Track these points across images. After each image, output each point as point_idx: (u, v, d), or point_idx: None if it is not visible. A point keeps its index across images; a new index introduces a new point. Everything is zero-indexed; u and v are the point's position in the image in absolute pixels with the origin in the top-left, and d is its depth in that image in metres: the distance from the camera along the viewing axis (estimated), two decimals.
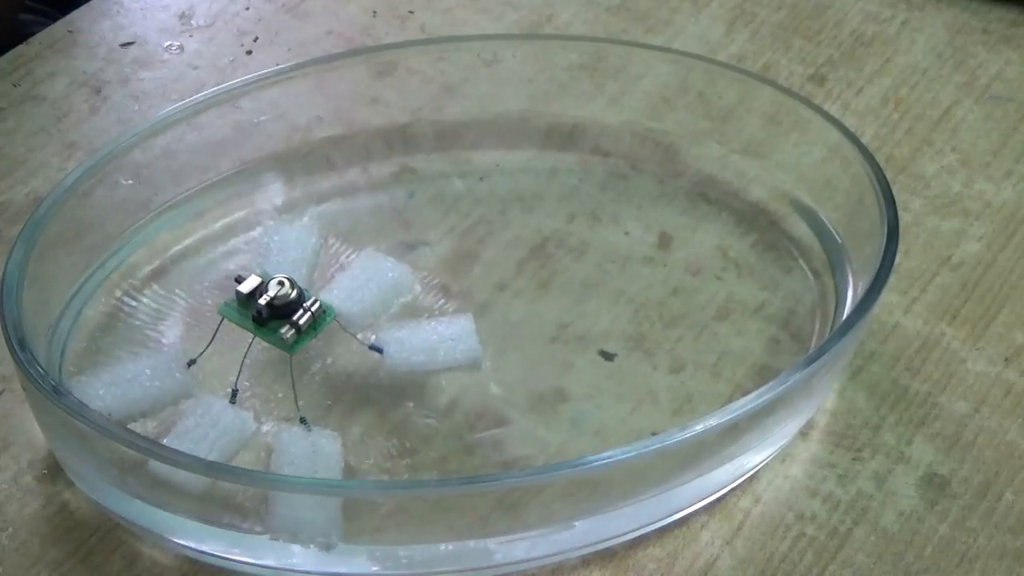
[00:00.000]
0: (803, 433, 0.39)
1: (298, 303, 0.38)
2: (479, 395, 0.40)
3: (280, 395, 0.39)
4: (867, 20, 0.54)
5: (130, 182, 0.43)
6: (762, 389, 0.35)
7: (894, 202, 0.40)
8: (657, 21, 0.54)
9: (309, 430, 0.37)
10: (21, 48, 0.52)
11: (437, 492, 0.34)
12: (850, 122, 0.49)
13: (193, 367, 0.39)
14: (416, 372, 0.39)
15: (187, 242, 0.44)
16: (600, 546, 0.36)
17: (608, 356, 0.41)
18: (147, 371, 0.38)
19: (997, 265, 0.44)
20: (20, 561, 0.36)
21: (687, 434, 0.34)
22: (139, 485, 0.35)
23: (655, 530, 0.37)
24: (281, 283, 0.38)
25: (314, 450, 0.36)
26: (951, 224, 0.46)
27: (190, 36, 0.53)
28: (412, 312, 0.41)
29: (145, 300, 0.43)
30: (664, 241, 0.45)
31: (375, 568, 0.35)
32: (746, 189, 0.46)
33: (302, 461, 0.36)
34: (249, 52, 0.52)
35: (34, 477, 0.38)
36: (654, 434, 0.35)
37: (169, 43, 0.53)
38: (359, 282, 0.40)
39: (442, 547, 0.35)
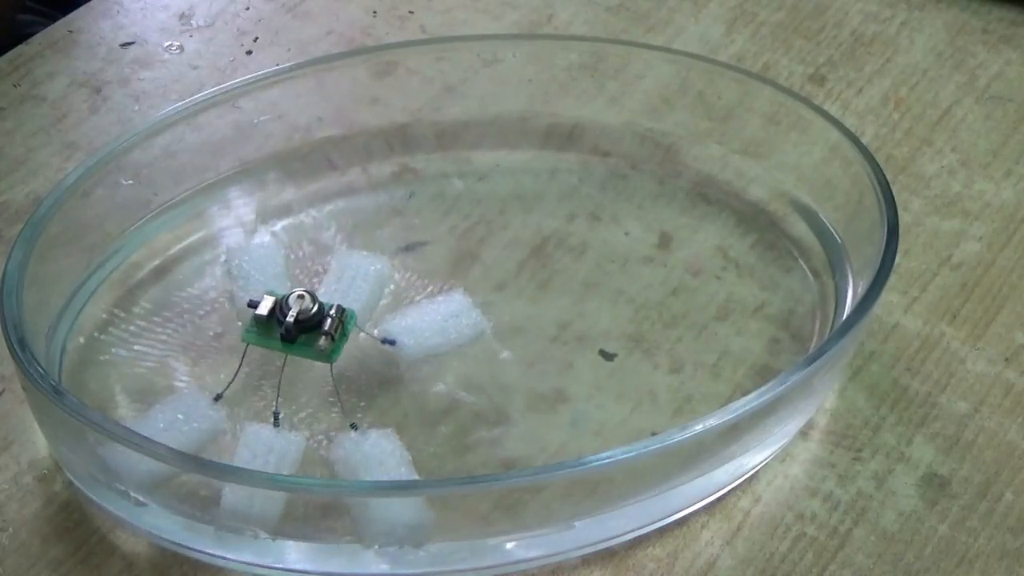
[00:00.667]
0: (803, 433, 0.39)
1: (321, 312, 0.38)
2: (479, 395, 0.40)
3: (311, 409, 0.39)
4: (867, 20, 0.54)
5: (130, 182, 0.43)
6: (762, 389, 0.35)
7: (894, 202, 0.40)
8: (657, 21, 0.54)
9: (363, 434, 0.37)
10: (21, 48, 0.52)
11: (437, 492, 0.34)
12: (850, 122, 0.49)
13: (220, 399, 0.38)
14: (431, 355, 0.39)
15: (187, 242, 0.44)
16: (600, 546, 0.36)
17: (608, 356, 0.41)
18: (179, 416, 0.37)
19: (997, 265, 0.44)
20: (20, 561, 0.36)
21: (687, 434, 0.34)
22: (139, 485, 0.35)
23: (655, 530, 0.37)
24: (301, 296, 0.38)
25: (375, 451, 0.36)
26: (951, 224, 0.46)
27: (190, 36, 0.53)
28: (395, 301, 0.42)
29: (145, 300, 0.43)
30: (664, 241, 0.45)
31: (375, 568, 0.35)
32: (746, 189, 0.46)
33: (368, 465, 0.36)
34: (249, 52, 0.52)
35: (34, 477, 0.38)
36: (654, 434, 0.35)
37: (169, 43, 0.53)
38: (347, 282, 0.40)
39: (442, 547, 0.35)
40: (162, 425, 0.36)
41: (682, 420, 0.39)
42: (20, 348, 0.36)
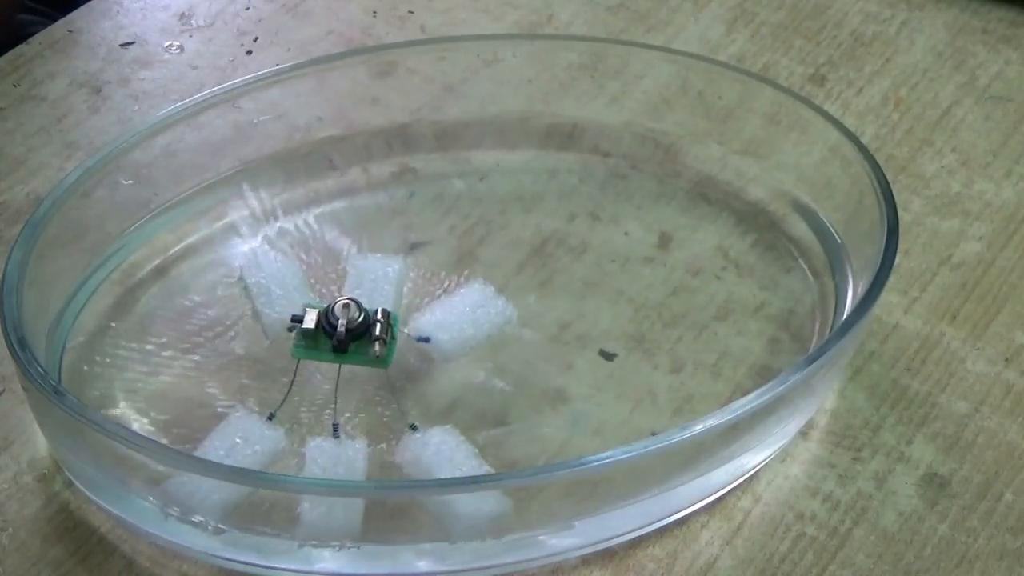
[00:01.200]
0: (803, 433, 0.39)
1: (368, 319, 0.38)
2: (479, 395, 0.40)
3: (362, 414, 0.39)
4: (867, 20, 0.54)
5: (130, 182, 0.43)
6: (762, 389, 0.35)
7: (894, 202, 0.40)
8: (657, 21, 0.54)
9: (425, 433, 0.37)
10: (21, 48, 0.52)
11: (437, 492, 0.34)
12: (850, 122, 0.49)
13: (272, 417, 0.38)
14: (468, 347, 0.39)
15: (187, 242, 0.44)
16: (600, 546, 0.36)
17: (608, 356, 0.41)
18: (238, 440, 0.36)
19: (997, 265, 0.44)
20: (20, 561, 0.36)
21: (687, 434, 0.34)
22: (139, 485, 0.35)
23: (655, 530, 0.37)
24: (346, 305, 0.38)
25: (443, 449, 0.36)
26: (951, 224, 0.46)
27: (190, 36, 0.53)
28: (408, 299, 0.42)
29: (145, 300, 0.43)
30: (664, 241, 0.45)
31: (375, 567, 0.35)
32: (746, 189, 0.46)
33: (440, 463, 0.36)
34: (249, 52, 0.52)
35: (34, 477, 0.38)
36: (654, 434, 0.35)
37: (169, 43, 0.53)
38: (369, 286, 0.40)
39: (441, 547, 0.35)
40: (222, 452, 0.36)
41: (682, 420, 0.39)
42: (20, 348, 0.36)
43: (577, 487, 0.35)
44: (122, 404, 0.40)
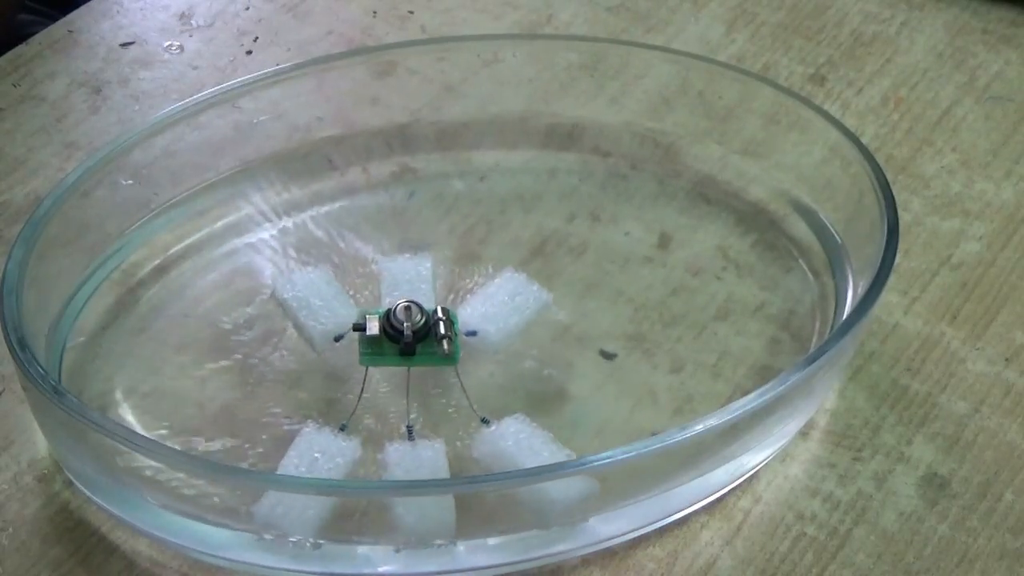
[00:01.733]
0: (803, 433, 0.39)
1: (428, 319, 0.38)
2: (480, 394, 0.40)
3: (415, 414, 0.39)
4: (867, 20, 0.54)
5: (130, 182, 0.43)
6: (762, 389, 0.35)
7: (894, 202, 0.40)
8: (657, 21, 0.54)
9: (498, 425, 0.37)
10: (21, 48, 0.52)
11: (437, 492, 0.34)
12: (850, 122, 0.49)
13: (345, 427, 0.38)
14: (513, 335, 0.39)
15: (187, 242, 0.44)
16: (600, 546, 0.36)
17: (608, 356, 0.41)
18: (316, 455, 0.36)
19: (997, 265, 0.44)
20: (20, 561, 0.36)
21: (687, 434, 0.34)
22: (139, 485, 0.35)
23: (655, 530, 0.37)
24: (408, 307, 0.38)
25: (520, 439, 0.36)
26: (951, 224, 0.46)
27: (190, 36, 0.53)
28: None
29: (145, 300, 0.43)
30: (664, 241, 0.45)
31: (374, 567, 0.35)
32: (746, 189, 0.46)
33: (520, 453, 0.36)
34: (249, 52, 0.52)
35: (34, 477, 0.38)
36: (654, 434, 0.35)
37: (169, 43, 0.53)
38: (406, 287, 0.40)
39: (442, 546, 0.35)
40: (303, 468, 0.35)
41: (682, 420, 0.39)
42: (20, 348, 0.36)
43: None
44: (122, 404, 0.40)
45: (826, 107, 0.48)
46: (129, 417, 0.39)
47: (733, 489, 0.38)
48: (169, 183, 0.44)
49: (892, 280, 0.40)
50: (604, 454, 0.34)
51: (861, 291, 0.38)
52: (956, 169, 0.48)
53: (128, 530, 0.37)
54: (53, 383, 0.35)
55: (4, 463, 0.38)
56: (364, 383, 0.38)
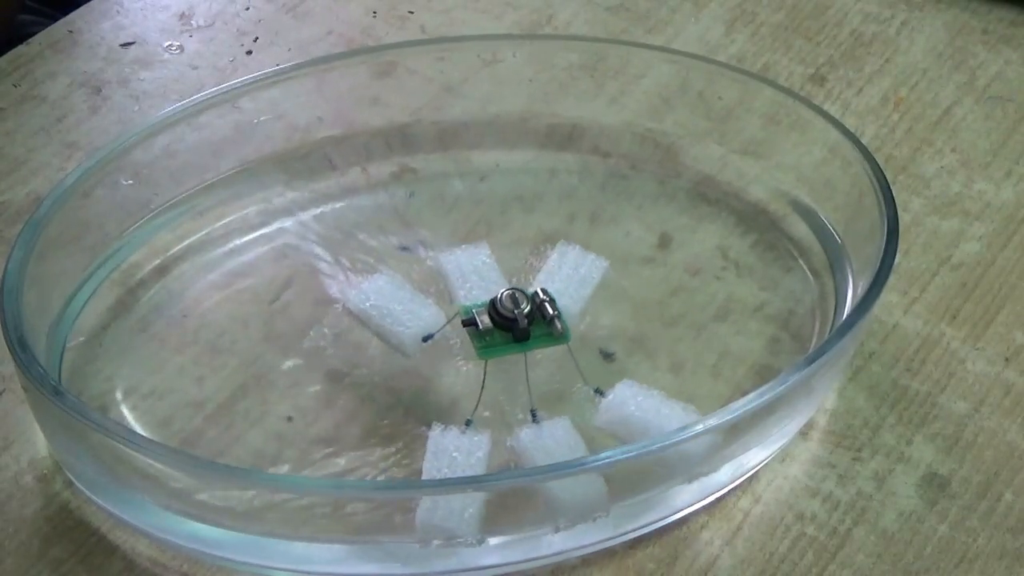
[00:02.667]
0: (803, 433, 0.39)
1: (533, 302, 0.38)
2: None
3: (523, 398, 0.39)
4: (867, 20, 0.54)
5: (130, 182, 0.43)
6: (762, 389, 0.35)
7: (894, 202, 0.40)
8: (657, 21, 0.54)
9: (614, 394, 0.37)
10: (21, 48, 0.52)
11: (437, 492, 0.34)
12: (850, 122, 0.49)
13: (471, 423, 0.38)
14: (585, 306, 0.40)
15: (187, 242, 0.44)
16: (600, 546, 0.36)
17: (608, 356, 0.41)
18: (455, 455, 0.36)
19: (997, 265, 0.44)
20: (20, 561, 0.36)
21: (687, 434, 0.34)
22: (139, 485, 0.35)
23: (655, 530, 0.37)
24: (513, 296, 0.38)
25: (646, 405, 0.37)
26: (951, 224, 0.46)
27: (190, 36, 0.53)
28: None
29: (145, 300, 0.43)
30: (664, 241, 0.45)
31: (375, 567, 0.35)
32: (746, 189, 0.46)
33: (647, 420, 0.36)
34: (249, 52, 0.52)
35: (34, 477, 0.38)
36: (603, 452, 0.35)
37: (169, 43, 0.53)
38: (476, 278, 0.40)
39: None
40: (446, 470, 0.35)
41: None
42: (20, 348, 0.36)
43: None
44: (122, 404, 0.40)
45: (826, 107, 0.48)
46: (129, 417, 0.39)
47: (733, 489, 0.38)
48: (169, 183, 0.44)
49: (892, 280, 0.40)
50: (604, 454, 0.34)
51: (861, 291, 0.38)
52: (956, 169, 0.48)
53: (128, 530, 0.37)
54: (53, 383, 0.35)
55: (4, 463, 0.38)
56: (484, 377, 0.38)
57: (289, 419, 0.39)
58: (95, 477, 0.36)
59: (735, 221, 0.45)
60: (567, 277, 0.40)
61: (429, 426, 0.36)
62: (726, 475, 0.37)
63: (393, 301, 0.39)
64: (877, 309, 0.38)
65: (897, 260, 0.39)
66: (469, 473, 0.35)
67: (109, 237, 0.43)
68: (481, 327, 0.38)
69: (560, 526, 0.35)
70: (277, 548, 0.35)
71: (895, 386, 0.41)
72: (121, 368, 0.41)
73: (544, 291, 0.39)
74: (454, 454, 0.36)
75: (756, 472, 0.38)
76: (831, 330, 0.41)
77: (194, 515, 0.35)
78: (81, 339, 0.41)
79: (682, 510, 0.37)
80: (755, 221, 0.45)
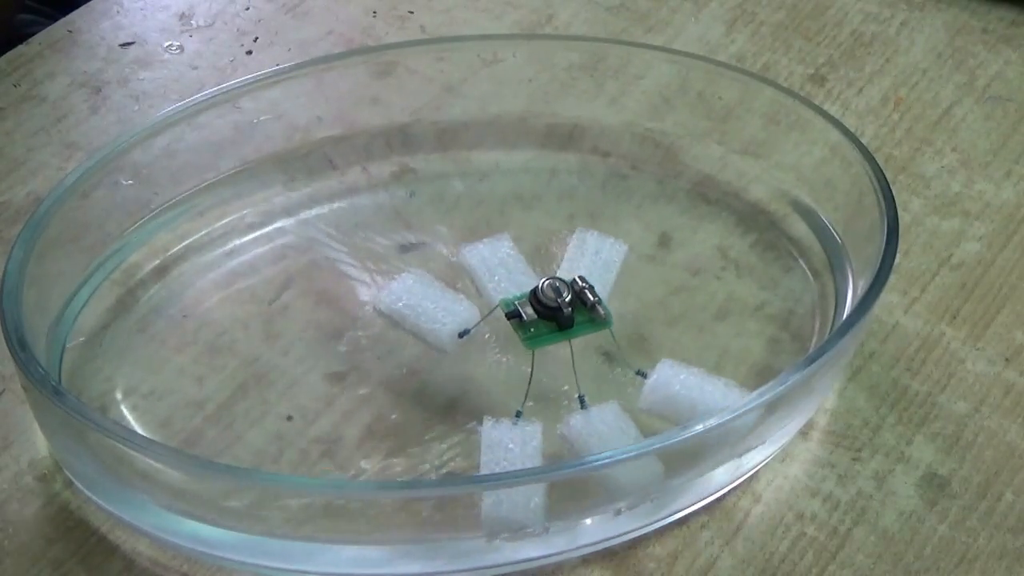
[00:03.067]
0: (803, 433, 0.39)
1: (572, 289, 0.38)
2: (479, 395, 0.40)
3: (566, 386, 0.39)
4: (867, 20, 0.54)
5: (130, 182, 0.43)
6: (762, 389, 0.35)
7: (894, 202, 0.40)
8: (657, 21, 0.54)
9: (657, 375, 0.38)
10: (21, 48, 0.52)
11: (437, 492, 0.34)
12: (850, 122, 0.49)
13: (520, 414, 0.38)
14: (610, 289, 0.40)
15: (187, 242, 0.44)
16: (600, 546, 0.36)
17: (608, 356, 0.41)
18: (511, 446, 0.36)
19: (997, 265, 0.44)
20: (20, 561, 0.36)
21: (687, 434, 0.34)
22: (139, 485, 0.35)
23: (655, 530, 0.37)
24: (553, 286, 0.38)
25: (689, 384, 0.37)
26: (951, 224, 0.46)
27: (190, 36, 0.53)
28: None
29: (145, 300, 0.43)
30: (664, 241, 0.45)
31: (375, 567, 0.35)
32: (746, 189, 0.46)
33: (692, 392, 0.37)
34: (249, 52, 0.52)
35: (34, 477, 0.38)
36: (654, 434, 0.35)
37: (169, 43, 0.53)
38: (505, 271, 0.40)
39: (442, 546, 0.35)
40: (505, 463, 0.35)
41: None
42: (20, 348, 0.36)
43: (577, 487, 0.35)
44: (122, 404, 0.40)
45: (826, 107, 0.48)
46: (129, 417, 0.39)
47: (733, 489, 0.38)
48: (169, 183, 0.44)
49: (892, 280, 0.40)
50: (604, 454, 0.34)
51: (861, 291, 0.38)
52: (956, 169, 0.48)
53: (128, 530, 0.37)
54: (53, 383, 0.35)
55: (4, 463, 0.38)
56: (532, 368, 0.38)
57: (289, 419, 0.39)
58: (95, 477, 0.36)
59: (735, 221, 0.45)
60: (591, 263, 0.40)
61: (479, 421, 0.37)
62: (726, 475, 0.37)
63: (425, 299, 0.39)
64: (877, 309, 0.38)
65: (897, 260, 0.39)
66: (527, 463, 0.35)
67: (109, 237, 0.43)
68: (526, 318, 0.38)
69: (621, 509, 0.35)
70: (277, 548, 0.35)
71: (895, 386, 0.41)
72: (121, 368, 0.41)
73: (582, 278, 0.39)
74: (509, 445, 0.36)
75: (756, 472, 0.38)
76: (831, 330, 0.41)
77: (194, 515, 0.35)
78: (81, 339, 0.41)
79: (682, 510, 0.37)
80: (755, 221, 0.45)
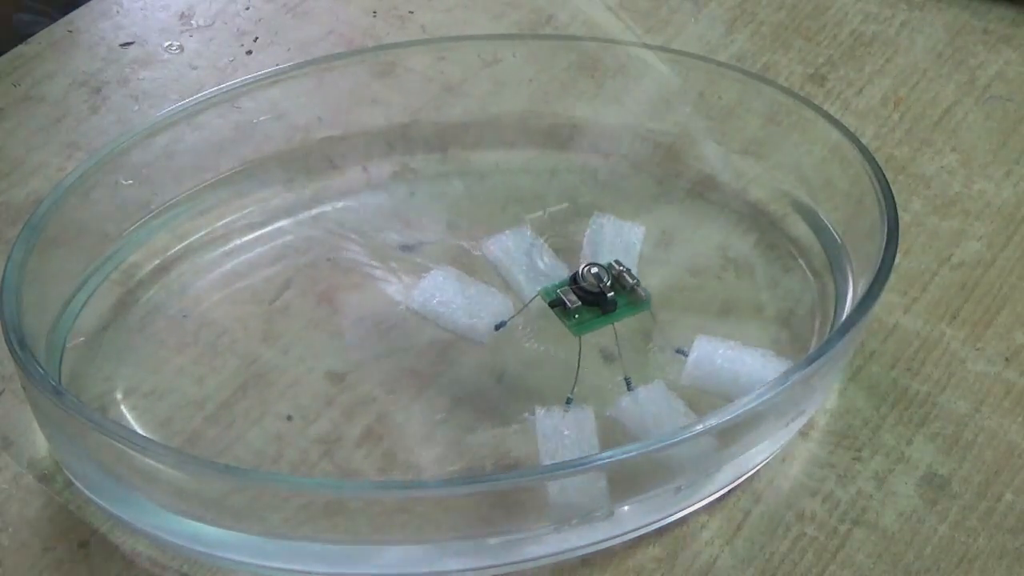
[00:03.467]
0: (803, 433, 0.39)
1: (611, 273, 0.39)
2: (480, 394, 0.40)
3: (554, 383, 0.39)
4: (867, 20, 0.54)
5: (130, 182, 0.43)
6: (762, 389, 0.35)
7: (894, 202, 0.40)
8: (657, 21, 0.54)
9: (696, 352, 0.38)
10: (21, 48, 0.52)
11: (437, 492, 0.34)
12: (850, 122, 0.49)
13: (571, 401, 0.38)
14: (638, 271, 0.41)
15: (187, 242, 0.44)
16: (600, 546, 0.36)
17: (608, 356, 0.41)
18: (565, 432, 0.36)
19: (997, 265, 0.44)
20: (20, 561, 0.36)
21: (687, 434, 0.34)
22: (139, 485, 0.35)
23: (655, 530, 0.37)
24: (593, 272, 0.38)
25: (721, 352, 0.38)
26: (951, 224, 0.46)
27: (190, 36, 0.53)
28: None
29: (145, 300, 0.43)
30: (664, 241, 0.45)
31: (375, 567, 0.35)
32: (746, 189, 0.46)
33: (734, 364, 0.38)
34: (249, 52, 0.52)
35: (34, 477, 0.38)
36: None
37: (169, 43, 0.53)
38: (534, 260, 0.40)
39: (442, 546, 0.35)
40: (564, 452, 0.36)
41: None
42: (20, 348, 0.36)
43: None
44: (122, 404, 0.40)
45: (826, 107, 0.48)
46: (129, 417, 0.39)
47: (733, 489, 0.38)
48: (169, 183, 0.44)
49: (892, 280, 0.40)
50: (605, 453, 0.34)
51: (861, 291, 0.38)
52: (956, 169, 0.48)
53: (128, 530, 0.37)
54: (53, 383, 0.35)
55: (4, 463, 0.38)
56: (580, 354, 0.38)
57: (289, 419, 0.39)
58: (95, 477, 0.36)
59: (735, 221, 0.45)
60: (611, 246, 0.41)
61: (531, 411, 0.37)
62: (726, 475, 0.37)
63: (458, 295, 0.40)
64: (877, 309, 0.38)
65: (897, 260, 0.39)
66: (585, 449, 0.36)
67: (109, 237, 0.43)
68: (570, 306, 0.38)
69: (680, 488, 0.35)
70: (277, 548, 0.35)
71: (895, 386, 0.41)
72: (121, 368, 0.41)
73: (618, 262, 0.39)
74: (565, 432, 0.36)
75: (756, 472, 0.38)
76: (831, 330, 0.41)
77: (194, 515, 0.35)
78: (81, 339, 0.41)
79: (682, 510, 0.37)
80: (755, 221, 0.45)
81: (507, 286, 0.40)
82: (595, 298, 0.38)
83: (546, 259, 0.41)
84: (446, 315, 0.40)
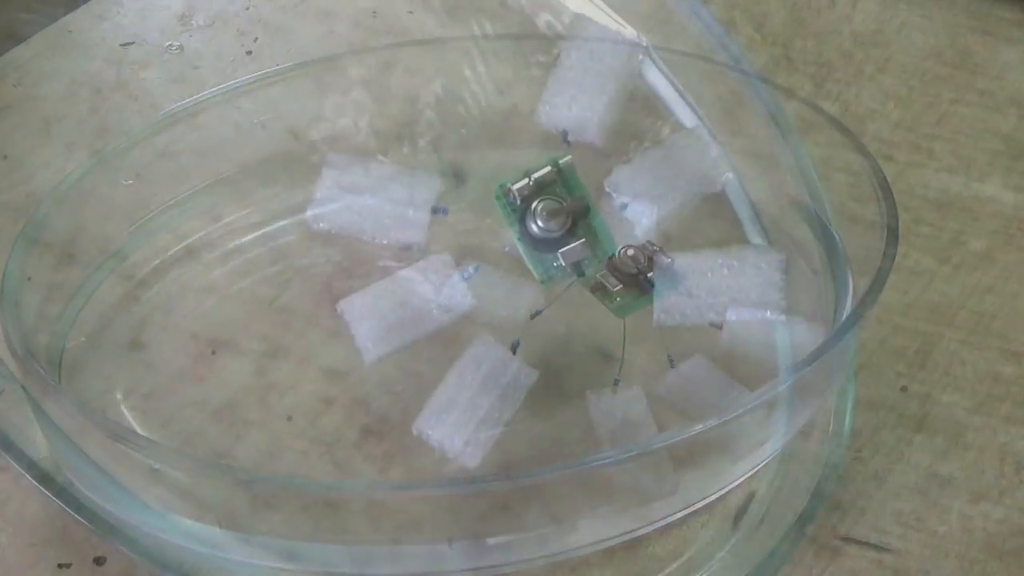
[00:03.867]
0: (803, 433, 0.39)
1: (645, 251, 0.39)
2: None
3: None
4: (867, 20, 0.54)
5: (130, 182, 0.43)
6: (762, 389, 0.35)
7: (894, 202, 0.40)
8: (657, 21, 0.54)
9: (676, 365, 0.38)
10: (21, 48, 0.52)
11: (437, 492, 0.34)
12: (850, 122, 0.49)
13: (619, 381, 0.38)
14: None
15: (187, 242, 0.44)
16: (600, 546, 0.36)
17: (608, 356, 0.41)
18: (620, 414, 0.37)
19: (997, 265, 0.44)
20: (20, 561, 0.36)
21: (687, 434, 0.34)
22: (139, 485, 0.35)
23: (655, 530, 0.37)
24: (628, 252, 0.39)
25: (752, 324, 0.38)
26: (951, 224, 0.46)
27: (190, 36, 0.53)
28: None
29: (145, 300, 0.43)
30: (664, 241, 0.45)
31: (375, 567, 0.35)
32: (746, 189, 0.46)
33: (764, 333, 0.38)
34: (249, 52, 0.52)
35: (34, 477, 0.38)
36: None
37: (169, 43, 0.53)
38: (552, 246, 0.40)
39: (442, 547, 0.35)
40: (623, 436, 0.36)
41: (682, 420, 0.39)
42: (20, 348, 0.36)
43: (577, 487, 0.35)
44: (122, 404, 0.40)
45: (826, 107, 0.48)
46: (129, 417, 0.39)
47: (733, 489, 0.38)
48: (169, 183, 0.44)
49: (892, 280, 0.40)
50: (604, 453, 0.34)
51: (861, 291, 0.38)
52: (956, 169, 0.48)
53: (128, 530, 0.37)
54: (53, 383, 0.35)
55: (4, 463, 0.38)
56: (624, 336, 0.38)
57: (289, 419, 0.39)
58: (95, 477, 0.36)
59: (735, 221, 0.45)
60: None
61: (581, 396, 0.37)
62: (726, 475, 0.37)
63: (492, 288, 0.40)
64: (877, 309, 0.38)
65: (897, 260, 0.39)
66: (647, 431, 0.36)
67: (109, 237, 0.43)
68: (611, 288, 0.38)
69: (738, 456, 0.35)
70: (277, 548, 0.35)
71: (895, 386, 0.41)
72: (121, 368, 0.41)
73: (651, 242, 0.39)
74: (618, 413, 0.36)
75: (756, 472, 0.38)
76: (831, 330, 0.41)
77: (194, 515, 0.35)
78: (81, 339, 0.41)
79: (682, 510, 0.37)
80: (755, 221, 0.45)
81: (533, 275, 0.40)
82: (634, 279, 0.38)
83: (572, 242, 0.40)
84: (484, 309, 0.40)
